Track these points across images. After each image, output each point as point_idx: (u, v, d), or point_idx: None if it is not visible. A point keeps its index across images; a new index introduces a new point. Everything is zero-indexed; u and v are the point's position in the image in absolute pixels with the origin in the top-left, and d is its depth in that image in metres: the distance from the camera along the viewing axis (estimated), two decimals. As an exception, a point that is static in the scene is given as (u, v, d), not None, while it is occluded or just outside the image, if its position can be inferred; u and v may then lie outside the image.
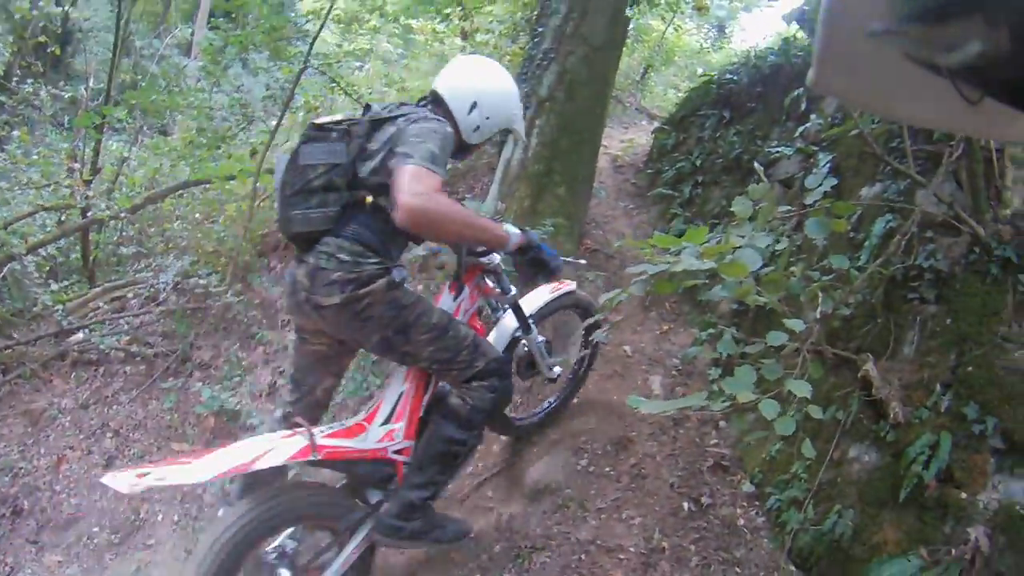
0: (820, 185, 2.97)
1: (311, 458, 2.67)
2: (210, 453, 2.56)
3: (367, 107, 2.96)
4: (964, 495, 3.07)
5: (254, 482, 2.85)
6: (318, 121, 2.85)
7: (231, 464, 2.49)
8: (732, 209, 2.57)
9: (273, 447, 2.61)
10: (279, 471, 2.89)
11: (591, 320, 3.39)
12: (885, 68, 0.74)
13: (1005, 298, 3.33)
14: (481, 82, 3.06)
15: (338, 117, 2.86)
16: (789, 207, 3.66)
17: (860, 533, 3.30)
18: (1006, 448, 3.10)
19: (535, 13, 6.77)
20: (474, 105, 3.00)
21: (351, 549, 2.97)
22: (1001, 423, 3.10)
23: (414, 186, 2.43)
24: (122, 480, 2.33)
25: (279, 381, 5.35)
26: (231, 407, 5.12)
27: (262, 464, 2.53)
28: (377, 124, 2.82)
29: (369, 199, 2.77)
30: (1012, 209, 3.46)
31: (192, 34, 14.39)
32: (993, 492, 3.03)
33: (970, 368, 3.28)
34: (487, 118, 3.04)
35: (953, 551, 2.92)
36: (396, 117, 2.79)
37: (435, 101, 3.04)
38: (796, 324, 2.61)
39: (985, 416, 3.13)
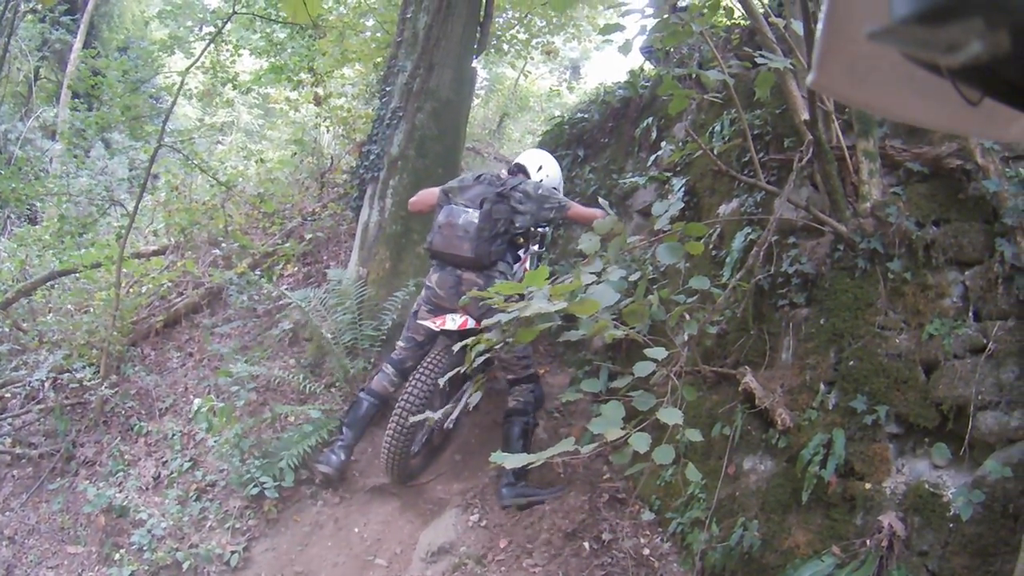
0: (667, 211, 2.97)
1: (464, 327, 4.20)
2: (441, 318, 4.33)
3: (503, 182, 4.53)
4: (868, 485, 3.09)
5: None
6: (501, 191, 4.38)
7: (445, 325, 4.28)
8: (579, 247, 2.54)
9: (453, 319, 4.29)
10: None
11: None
12: (885, 68, 0.74)
13: (876, 288, 3.38)
14: (540, 157, 5.04)
15: (499, 188, 4.41)
16: (641, 237, 3.71)
17: (769, 541, 3.29)
18: (903, 432, 3.15)
19: (383, 73, 6.78)
20: (540, 168, 4.90)
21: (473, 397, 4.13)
22: (894, 408, 3.14)
23: (593, 211, 4.48)
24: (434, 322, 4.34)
25: (163, 472, 5.17)
26: (119, 503, 4.90)
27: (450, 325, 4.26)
28: (512, 192, 4.42)
29: (521, 240, 4.53)
30: (871, 202, 3.50)
31: (56, 115, 13.88)
32: (899, 476, 3.07)
33: (852, 362, 3.32)
34: (547, 175, 4.89)
35: (868, 542, 2.93)
36: (519, 186, 4.47)
37: (521, 170, 4.87)
38: (657, 352, 2.59)
39: (876, 406, 3.17)
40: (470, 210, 4.33)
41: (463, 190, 4.51)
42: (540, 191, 4.53)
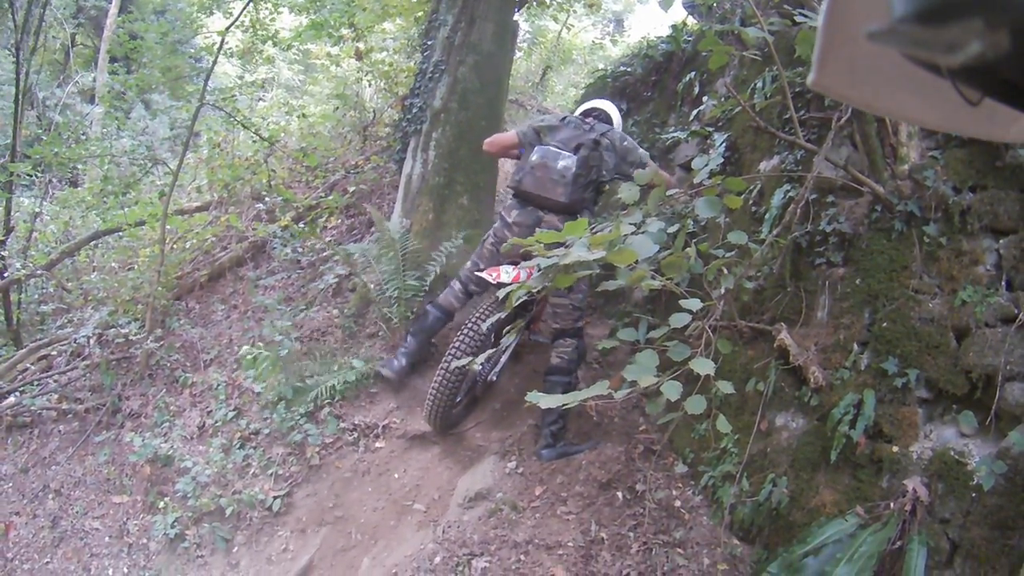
0: (707, 165, 2.99)
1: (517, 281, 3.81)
2: (496, 270, 4.14)
3: (591, 126, 4.44)
4: (896, 448, 3.11)
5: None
6: (596, 137, 4.28)
7: (502, 276, 4.05)
8: (619, 196, 2.58)
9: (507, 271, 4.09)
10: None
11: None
12: (885, 68, 0.74)
13: (912, 251, 3.38)
14: (615, 110, 4.78)
15: (594, 135, 4.30)
16: (681, 190, 3.72)
17: (797, 499, 3.33)
18: (932, 397, 3.15)
19: (424, 27, 6.80)
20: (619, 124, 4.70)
21: (513, 343, 4.19)
22: (924, 373, 3.14)
23: (671, 177, 4.70)
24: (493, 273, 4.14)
25: (208, 421, 5.31)
26: (164, 453, 5.07)
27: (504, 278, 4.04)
28: (601, 139, 4.32)
29: (606, 187, 4.45)
30: (909, 164, 3.48)
31: (94, 79, 14.03)
32: (926, 442, 3.08)
33: (885, 324, 3.32)
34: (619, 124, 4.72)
35: (892, 504, 2.97)
36: (607, 133, 4.37)
37: (606, 119, 4.65)
38: (692, 303, 2.63)
39: (906, 369, 3.17)
40: (566, 154, 4.23)
41: (552, 131, 4.41)
42: (625, 143, 4.42)
